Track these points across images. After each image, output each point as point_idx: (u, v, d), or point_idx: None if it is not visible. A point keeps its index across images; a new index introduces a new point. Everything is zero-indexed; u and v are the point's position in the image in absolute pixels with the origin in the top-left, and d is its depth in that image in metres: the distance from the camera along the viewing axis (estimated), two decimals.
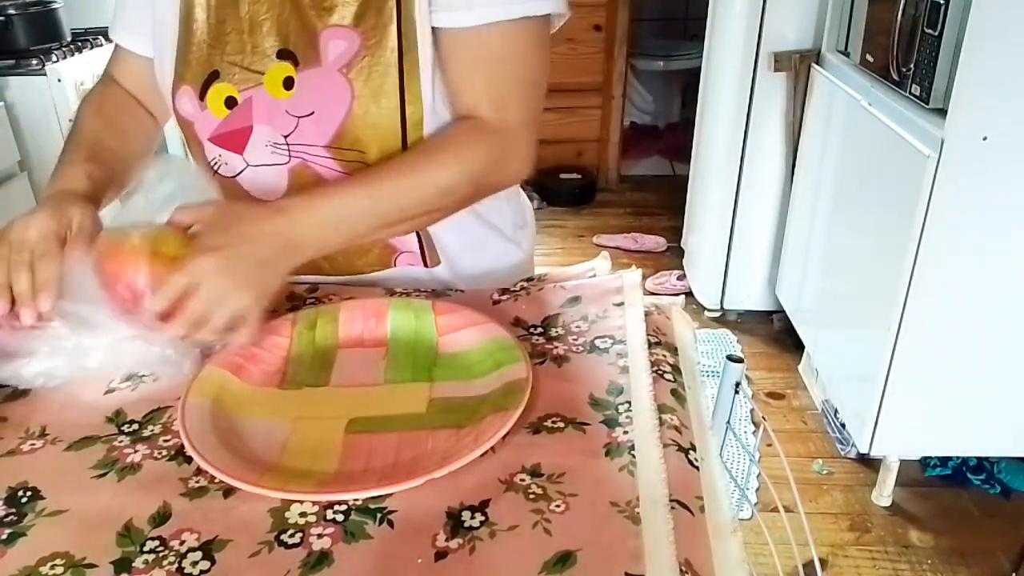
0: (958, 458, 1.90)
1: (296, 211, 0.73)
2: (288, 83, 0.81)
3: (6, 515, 0.57)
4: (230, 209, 0.75)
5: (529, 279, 0.87)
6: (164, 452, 0.63)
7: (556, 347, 0.75)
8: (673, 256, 3.04)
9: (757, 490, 1.83)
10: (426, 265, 0.91)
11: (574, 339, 0.76)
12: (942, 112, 1.49)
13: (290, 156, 0.83)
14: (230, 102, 0.83)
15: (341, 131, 0.80)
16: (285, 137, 0.82)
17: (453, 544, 0.53)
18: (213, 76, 0.83)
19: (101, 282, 0.67)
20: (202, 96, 0.83)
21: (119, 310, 0.67)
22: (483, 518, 0.55)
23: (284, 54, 0.80)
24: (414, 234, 0.88)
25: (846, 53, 2.02)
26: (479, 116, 0.81)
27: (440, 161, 0.79)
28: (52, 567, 0.52)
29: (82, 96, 2.15)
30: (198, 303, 0.66)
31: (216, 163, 0.87)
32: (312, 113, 0.81)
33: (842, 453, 1.99)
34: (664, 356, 0.74)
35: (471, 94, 0.81)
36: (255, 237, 0.70)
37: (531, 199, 1.11)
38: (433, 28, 0.78)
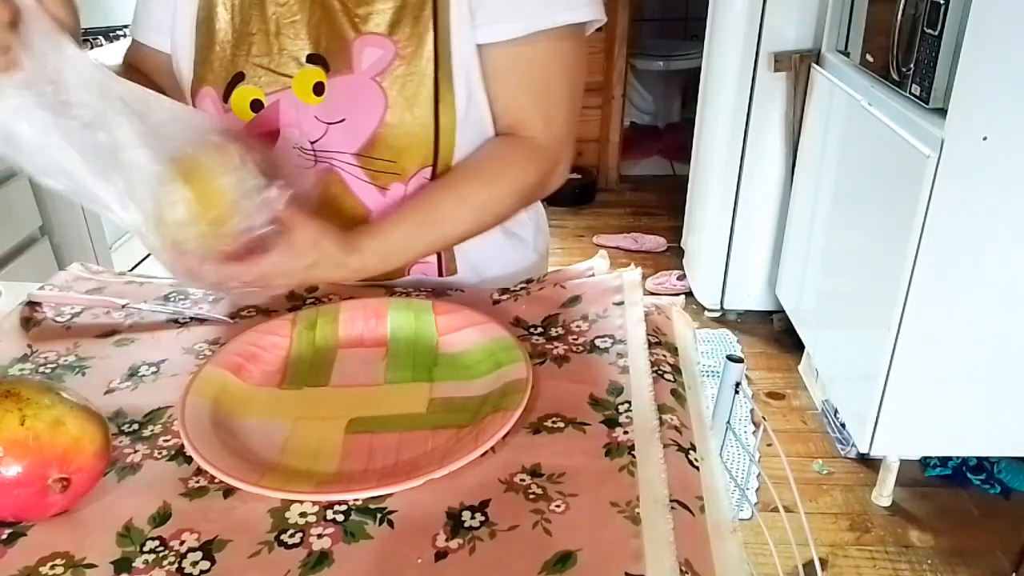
0: (958, 458, 1.90)
1: (367, 251, 0.75)
2: (319, 88, 0.79)
3: None
4: (314, 241, 0.73)
5: (528, 280, 0.87)
6: (164, 452, 0.63)
7: (556, 347, 0.75)
8: (673, 256, 3.04)
9: (757, 490, 1.83)
10: (441, 275, 0.90)
11: (574, 339, 0.76)
12: (942, 112, 1.49)
13: (316, 161, 0.82)
14: (256, 105, 0.81)
15: (373, 139, 0.80)
16: (312, 143, 0.81)
17: (453, 544, 0.53)
18: (238, 78, 0.81)
19: None
20: (226, 98, 0.82)
21: None
22: (483, 518, 0.55)
23: (314, 58, 0.79)
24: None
25: (846, 53, 2.02)
26: (527, 132, 0.82)
27: (496, 189, 0.81)
28: (52, 567, 0.52)
29: None
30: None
31: None
32: (343, 120, 0.80)
33: (842, 453, 1.99)
34: (664, 356, 0.74)
35: (518, 110, 0.82)
36: (326, 268, 0.74)
37: None
38: (478, 45, 0.78)
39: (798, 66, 2.18)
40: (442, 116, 0.79)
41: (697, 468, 0.61)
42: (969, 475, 1.88)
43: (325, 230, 0.72)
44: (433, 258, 0.89)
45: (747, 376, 2.27)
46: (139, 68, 0.92)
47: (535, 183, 0.83)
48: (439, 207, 0.80)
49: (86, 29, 2.44)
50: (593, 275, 0.87)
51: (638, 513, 0.54)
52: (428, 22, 0.77)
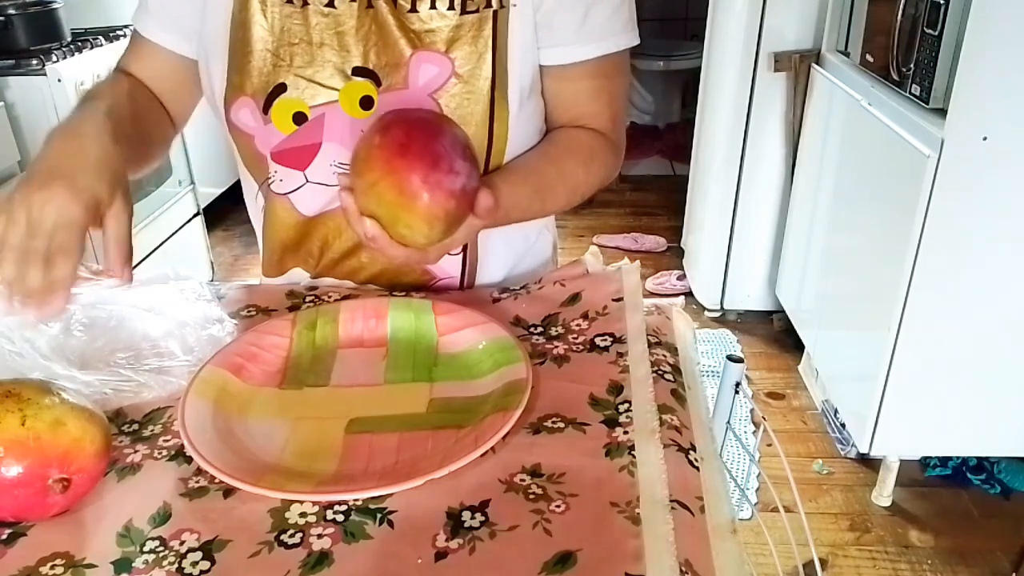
0: (958, 458, 1.90)
1: (500, 208, 0.74)
2: (366, 102, 0.77)
3: None
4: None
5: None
6: (164, 452, 0.63)
7: (556, 347, 0.75)
8: (673, 256, 3.04)
9: (757, 490, 1.83)
10: (462, 287, 0.90)
11: (574, 338, 0.76)
12: (942, 112, 1.49)
13: None
14: (299, 118, 0.78)
15: None
16: None
17: (453, 544, 0.53)
18: (280, 89, 0.77)
19: None
20: (266, 109, 0.78)
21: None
22: (483, 518, 0.55)
23: (361, 71, 0.77)
24: (459, 263, 0.88)
25: (846, 53, 2.02)
26: (600, 131, 0.86)
27: (589, 170, 0.85)
28: (52, 567, 0.52)
29: (83, 96, 2.14)
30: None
31: (271, 179, 0.83)
32: None
33: (842, 453, 1.99)
34: (664, 356, 0.74)
35: (592, 116, 0.85)
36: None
37: None
38: (542, 65, 0.81)
39: (798, 66, 2.18)
40: (495, 134, 0.79)
41: (697, 468, 0.61)
42: (969, 475, 1.88)
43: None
44: (457, 271, 0.89)
45: (747, 376, 2.27)
46: (136, 76, 0.85)
47: (612, 171, 0.88)
48: (547, 179, 0.82)
49: (85, 29, 2.44)
50: (587, 272, 0.87)
51: (638, 513, 0.54)
52: (487, 41, 0.76)
